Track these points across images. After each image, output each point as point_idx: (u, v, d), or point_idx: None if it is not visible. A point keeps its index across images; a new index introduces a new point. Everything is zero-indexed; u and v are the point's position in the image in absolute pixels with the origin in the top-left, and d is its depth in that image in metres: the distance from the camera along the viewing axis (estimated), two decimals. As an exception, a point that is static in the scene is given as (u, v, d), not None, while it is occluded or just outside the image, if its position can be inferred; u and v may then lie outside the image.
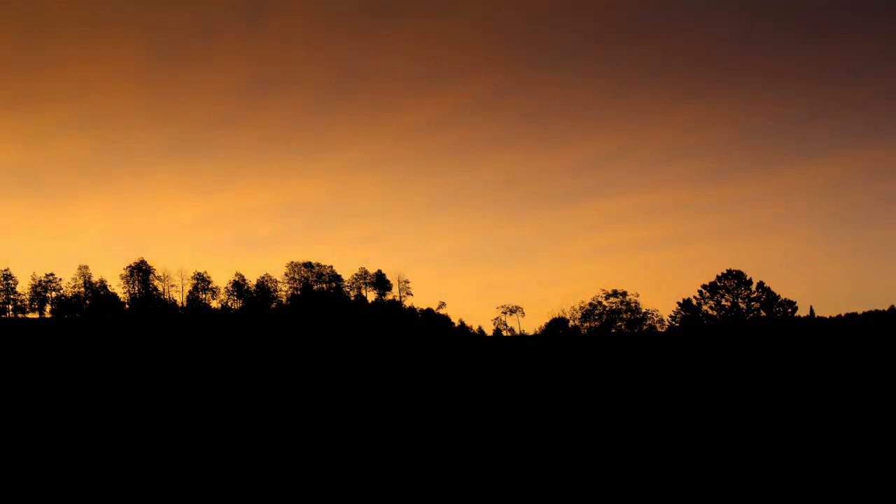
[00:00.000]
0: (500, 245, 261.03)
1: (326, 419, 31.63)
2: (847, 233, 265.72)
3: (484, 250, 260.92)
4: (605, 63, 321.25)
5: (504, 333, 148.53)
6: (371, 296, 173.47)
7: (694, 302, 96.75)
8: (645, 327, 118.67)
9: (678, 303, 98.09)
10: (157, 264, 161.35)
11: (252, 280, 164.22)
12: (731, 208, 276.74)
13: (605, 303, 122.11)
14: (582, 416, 30.68)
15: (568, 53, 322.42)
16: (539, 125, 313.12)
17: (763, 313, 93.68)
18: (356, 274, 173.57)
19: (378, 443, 24.47)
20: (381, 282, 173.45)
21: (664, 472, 18.56)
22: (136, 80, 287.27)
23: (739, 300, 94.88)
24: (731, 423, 26.98)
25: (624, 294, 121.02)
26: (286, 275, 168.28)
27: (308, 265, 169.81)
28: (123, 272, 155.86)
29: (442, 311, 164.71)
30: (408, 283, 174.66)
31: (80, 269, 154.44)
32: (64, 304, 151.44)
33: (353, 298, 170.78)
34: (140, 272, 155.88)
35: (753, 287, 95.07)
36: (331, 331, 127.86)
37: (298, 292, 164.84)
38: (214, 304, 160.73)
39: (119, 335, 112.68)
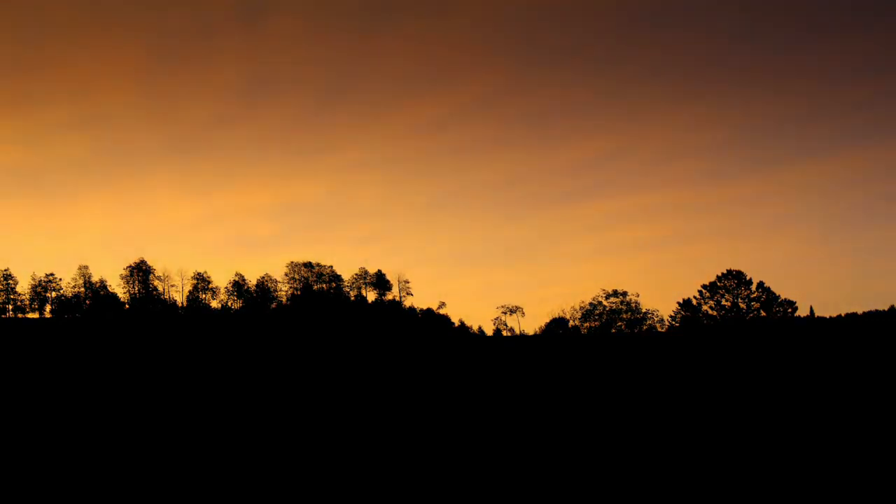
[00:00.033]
0: (499, 245, 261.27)
1: (327, 419, 31.65)
2: (847, 233, 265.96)
3: (484, 250, 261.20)
4: (605, 63, 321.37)
5: (504, 333, 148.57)
6: (371, 296, 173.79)
7: (694, 302, 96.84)
8: (645, 327, 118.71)
9: (678, 303, 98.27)
10: (157, 264, 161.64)
11: (252, 280, 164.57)
12: (730, 208, 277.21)
13: (605, 303, 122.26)
14: (582, 416, 30.70)
15: (568, 53, 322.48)
16: (539, 125, 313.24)
17: (763, 313, 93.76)
18: (356, 274, 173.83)
19: (378, 443, 24.49)
20: (381, 282, 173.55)
21: (664, 471, 18.58)
22: (135, 80, 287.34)
23: (739, 300, 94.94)
24: (731, 423, 27.00)
25: (624, 294, 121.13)
26: (286, 275, 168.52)
27: (308, 265, 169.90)
28: (123, 272, 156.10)
29: (442, 311, 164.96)
30: (408, 283, 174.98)
31: (80, 269, 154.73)
32: (64, 304, 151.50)
33: (353, 298, 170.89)
34: (140, 272, 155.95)
35: (753, 287, 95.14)
36: (331, 331, 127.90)
37: (298, 292, 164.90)
38: (214, 304, 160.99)
39: (119, 335, 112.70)
